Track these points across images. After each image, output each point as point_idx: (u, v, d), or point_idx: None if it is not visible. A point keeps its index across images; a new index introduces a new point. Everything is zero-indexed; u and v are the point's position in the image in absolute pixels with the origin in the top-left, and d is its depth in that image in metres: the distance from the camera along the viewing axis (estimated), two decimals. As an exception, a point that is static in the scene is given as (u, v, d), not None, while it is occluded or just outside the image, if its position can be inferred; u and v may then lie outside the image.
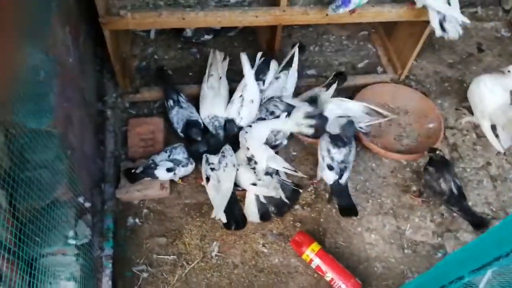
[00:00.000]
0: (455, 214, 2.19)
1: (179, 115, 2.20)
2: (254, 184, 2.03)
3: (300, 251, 1.97)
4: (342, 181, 2.07)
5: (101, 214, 1.96)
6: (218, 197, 1.97)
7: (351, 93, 2.46)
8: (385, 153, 2.33)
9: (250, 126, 2.16)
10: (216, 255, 2.00)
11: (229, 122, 2.22)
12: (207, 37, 2.67)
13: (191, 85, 2.42)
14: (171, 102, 2.23)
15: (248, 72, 2.20)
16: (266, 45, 2.58)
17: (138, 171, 2.02)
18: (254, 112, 2.23)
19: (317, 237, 2.07)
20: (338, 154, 2.07)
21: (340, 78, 2.39)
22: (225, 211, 1.96)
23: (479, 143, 2.47)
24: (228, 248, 2.03)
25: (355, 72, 2.68)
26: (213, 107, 2.22)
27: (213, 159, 2.07)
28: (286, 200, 2.05)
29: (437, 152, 2.14)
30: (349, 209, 2.09)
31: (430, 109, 2.49)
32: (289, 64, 2.34)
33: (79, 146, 1.83)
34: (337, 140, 2.09)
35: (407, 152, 2.40)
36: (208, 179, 2.02)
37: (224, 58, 2.38)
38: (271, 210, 2.07)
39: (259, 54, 2.37)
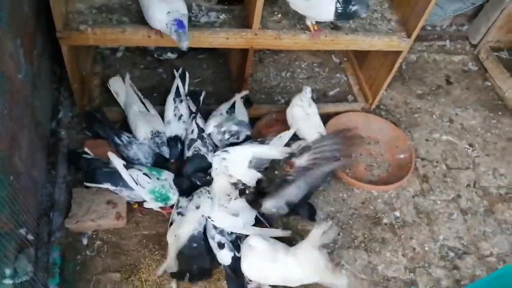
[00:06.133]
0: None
1: (142, 150, 2.04)
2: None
3: None
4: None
5: (47, 246, 1.76)
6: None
7: (323, 121, 2.37)
8: (356, 183, 2.26)
9: (226, 151, 1.99)
10: (175, 293, 1.84)
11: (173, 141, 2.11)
12: (170, 55, 2.52)
13: (156, 106, 2.25)
14: (126, 138, 2.04)
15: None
16: (236, 69, 2.49)
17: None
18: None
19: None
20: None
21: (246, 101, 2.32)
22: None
23: (449, 175, 2.45)
24: (189, 285, 1.86)
25: (326, 100, 2.63)
26: (152, 123, 2.10)
27: (183, 202, 1.94)
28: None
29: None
30: None
31: (401, 139, 2.45)
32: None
33: (26, 170, 1.65)
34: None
35: (378, 182, 2.34)
36: (171, 223, 1.89)
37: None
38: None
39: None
